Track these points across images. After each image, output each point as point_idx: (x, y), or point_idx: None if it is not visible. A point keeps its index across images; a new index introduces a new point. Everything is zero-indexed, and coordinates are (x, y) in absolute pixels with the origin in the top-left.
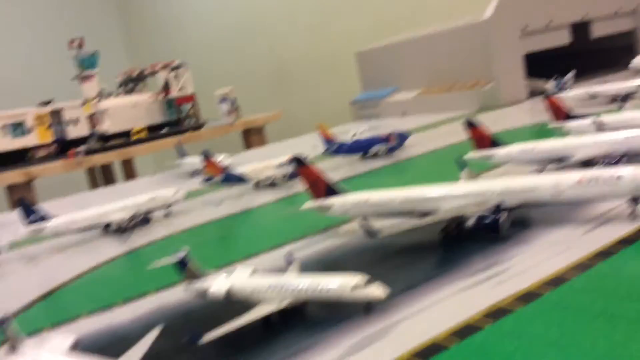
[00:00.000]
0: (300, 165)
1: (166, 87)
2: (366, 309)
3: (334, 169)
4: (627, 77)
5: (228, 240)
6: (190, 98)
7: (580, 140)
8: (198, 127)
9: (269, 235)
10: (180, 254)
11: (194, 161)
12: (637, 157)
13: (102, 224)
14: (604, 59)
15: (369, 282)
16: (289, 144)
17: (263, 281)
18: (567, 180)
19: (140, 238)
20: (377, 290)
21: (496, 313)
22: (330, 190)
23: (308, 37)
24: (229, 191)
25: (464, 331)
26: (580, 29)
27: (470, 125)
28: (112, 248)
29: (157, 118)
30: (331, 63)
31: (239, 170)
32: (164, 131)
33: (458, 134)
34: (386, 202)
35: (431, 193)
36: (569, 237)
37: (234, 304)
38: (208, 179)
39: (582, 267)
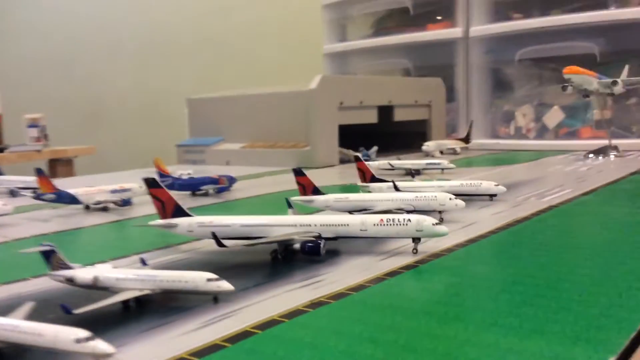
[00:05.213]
0: (152, 186)
1: None
2: (215, 300)
3: None
4: (419, 157)
5: (66, 251)
6: None
7: (381, 196)
8: (0, 149)
9: (108, 249)
10: (48, 245)
11: (14, 179)
12: (422, 212)
13: None
14: (403, 140)
15: (218, 279)
16: (114, 175)
17: (127, 272)
18: (371, 220)
19: None
20: (226, 284)
21: (315, 304)
22: (178, 211)
23: (130, 77)
24: (57, 211)
25: (292, 314)
26: (385, 111)
27: (298, 173)
28: None
29: None
30: (154, 107)
31: (71, 191)
32: None
33: (279, 185)
34: (228, 225)
35: (267, 221)
36: (368, 262)
37: (86, 294)
38: (39, 196)
39: (375, 280)
